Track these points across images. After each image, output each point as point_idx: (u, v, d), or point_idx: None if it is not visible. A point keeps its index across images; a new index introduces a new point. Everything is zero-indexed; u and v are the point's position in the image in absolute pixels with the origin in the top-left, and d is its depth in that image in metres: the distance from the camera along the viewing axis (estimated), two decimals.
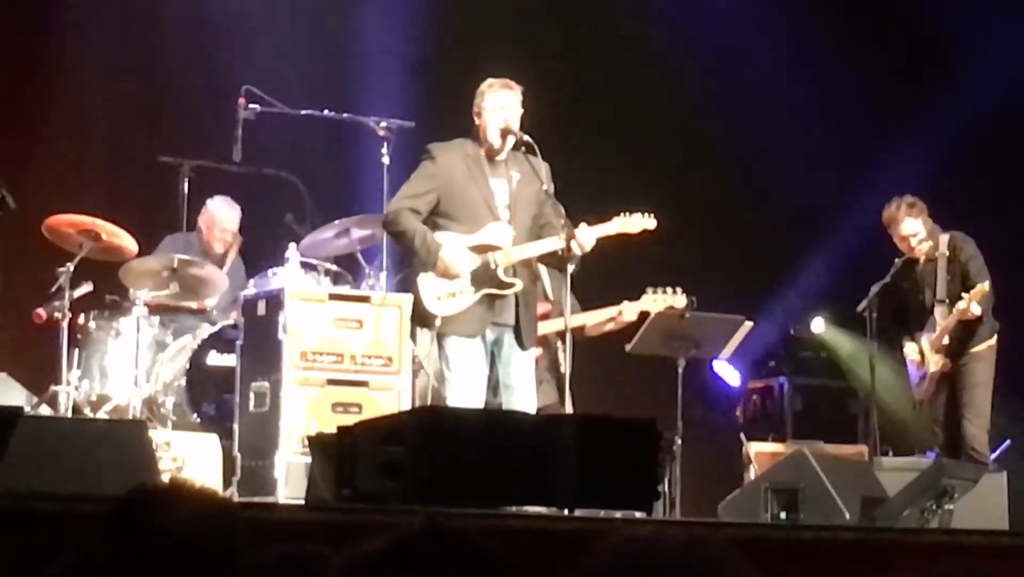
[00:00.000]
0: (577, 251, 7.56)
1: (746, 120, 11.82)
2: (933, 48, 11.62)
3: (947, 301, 9.39)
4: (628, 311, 9.17)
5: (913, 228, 9.40)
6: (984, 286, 9.17)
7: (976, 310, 9.19)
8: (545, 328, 8.41)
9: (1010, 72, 11.16)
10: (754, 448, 10.23)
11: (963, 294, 9.20)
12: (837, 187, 11.70)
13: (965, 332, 9.36)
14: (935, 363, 9.45)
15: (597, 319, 8.99)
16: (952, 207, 9.76)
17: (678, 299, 9.09)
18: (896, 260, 9.50)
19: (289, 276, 8.60)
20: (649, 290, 9.13)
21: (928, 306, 9.50)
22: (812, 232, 11.73)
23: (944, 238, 9.47)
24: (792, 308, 12.03)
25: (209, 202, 9.89)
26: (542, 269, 8.51)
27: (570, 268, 7.58)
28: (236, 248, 9.94)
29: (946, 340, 9.38)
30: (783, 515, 8.05)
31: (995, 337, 9.41)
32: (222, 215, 9.88)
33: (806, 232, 11.79)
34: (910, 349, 9.56)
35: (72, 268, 8.91)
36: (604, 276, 8.70)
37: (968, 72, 11.28)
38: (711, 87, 11.76)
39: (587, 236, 7.61)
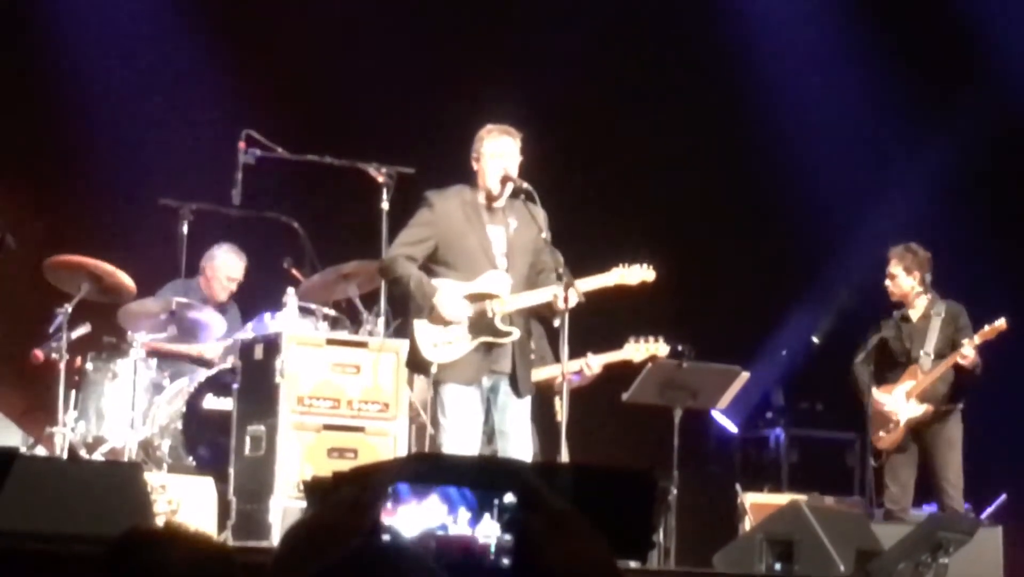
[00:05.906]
0: (568, 303, 7.48)
1: (745, 170, 11.89)
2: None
3: (932, 356, 9.55)
4: (595, 363, 9.12)
5: (893, 271, 9.62)
6: (1001, 323, 9.33)
7: (972, 356, 9.34)
8: (536, 377, 8.36)
9: None
10: (749, 499, 10.20)
11: (964, 341, 9.32)
12: (833, 235, 11.77)
13: (957, 380, 9.52)
14: (912, 411, 9.47)
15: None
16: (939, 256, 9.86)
17: (660, 347, 9.08)
18: (895, 312, 9.61)
19: (287, 320, 8.61)
20: (631, 339, 9.12)
21: (914, 358, 9.59)
22: (808, 280, 11.76)
23: (943, 303, 9.65)
24: (790, 351, 12.07)
25: (215, 249, 9.89)
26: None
27: (565, 317, 7.52)
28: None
29: (931, 387, 9.50)
30: (778, 566, 8.03)
31: (963, 404, 9.58)
32: (229, 264, 9.88)
33: (802, 280, 11.81)
34: (883, 397, 9.56)
35: (71, 309, 8.90)
36: (600, 325, 8.69)
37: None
38: (708, 136, 11.81)
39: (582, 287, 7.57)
